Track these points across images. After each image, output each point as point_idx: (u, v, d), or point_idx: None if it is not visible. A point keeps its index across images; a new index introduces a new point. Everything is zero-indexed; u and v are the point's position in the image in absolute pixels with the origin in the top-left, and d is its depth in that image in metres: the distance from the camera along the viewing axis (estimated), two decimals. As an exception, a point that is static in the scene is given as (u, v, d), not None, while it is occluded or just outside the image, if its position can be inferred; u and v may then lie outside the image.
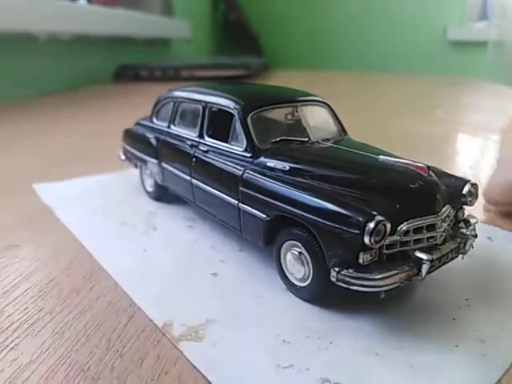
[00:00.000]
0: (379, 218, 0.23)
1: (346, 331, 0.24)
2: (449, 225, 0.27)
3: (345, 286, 0.24)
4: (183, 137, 0.38)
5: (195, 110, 0.37)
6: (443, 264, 0.26)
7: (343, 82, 1.80)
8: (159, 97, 0.43)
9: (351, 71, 2.13)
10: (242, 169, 0.31)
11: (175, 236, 0.36)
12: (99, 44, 1.52)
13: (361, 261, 0.23)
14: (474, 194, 0.28)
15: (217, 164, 0.33)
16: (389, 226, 0.23)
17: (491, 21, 2.04)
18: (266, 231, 0.29)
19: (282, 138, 0.32)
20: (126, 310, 0.27)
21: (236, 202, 0.31)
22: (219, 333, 0.24)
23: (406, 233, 0.24)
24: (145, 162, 0.43)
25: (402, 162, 0.27)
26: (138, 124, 0.47)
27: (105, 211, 0.41)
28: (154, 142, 0.41)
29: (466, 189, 0.28)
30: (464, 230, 0.27)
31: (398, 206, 0.24)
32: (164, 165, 0.40)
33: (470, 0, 2.23)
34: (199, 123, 0.36)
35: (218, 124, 0.35)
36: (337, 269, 0.24)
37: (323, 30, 2.47)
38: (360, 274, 0.23)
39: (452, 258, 0.26)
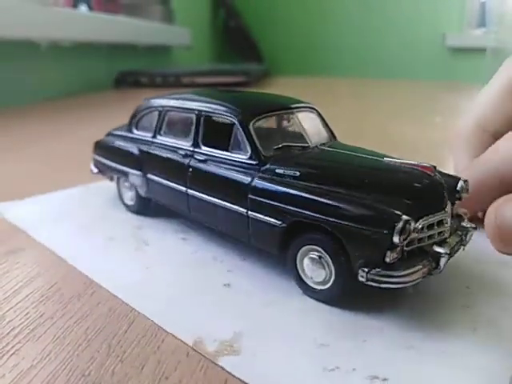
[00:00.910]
0: (405, 217, 0.24)
1: (373, 328, 0.25)
2: (451, 220, 0.28)
3: (375, 284, 0.24)
4: (174, 147, 0.37)
5: (187, 119, 0.36)
6: (451, 256, 0.27)
7: (343, 87, 1.81)
8: (138, 107, 0.42)
9: (351, 77, 2.14)
10: (250, 177, 0.30)
11: (171, 250, 0.35)
12: (100, 51, 1.53)
13: (388, 259, 0.24)
14: (465, 190, 0.29)
15: (219, 173, 0.32)
16: (413, 224, 0.24)
17: (490, 27, 2.06)
18: (281, 238, 0.29)
19: (285, 144, 0.32)
20: (127, 316, 0.27)
21: (244, 210, 0.30)
22: (254, 344, 0.23)
23: (421, 229, 0.26)
24: (125, 174, 0.41)
25: (407, 163, 0.28)
26: (110, 135, 0.45)
27: (86, 228, 0.39)
28: (136, 153, 0.40)
29: (459, 185, 0.29)
30: (464, 224, 0.29)
31: (412, 205, 0.25)
32: (150, 176, 0.39)
33: (468, 7, 2.25)
34: (193, 132, 0.35)
35: (215, 132, 0.34)
36: (366, 269, 0.25)
37: (323, 36, 2.49)
38: (388, 272, 0.24)
39: (457, 250, 0.28)
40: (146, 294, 0.29)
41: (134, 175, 0.40)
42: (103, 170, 0.45)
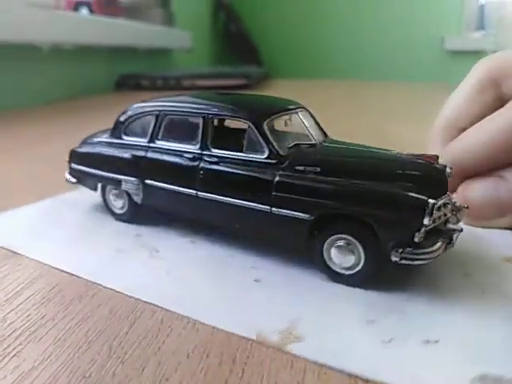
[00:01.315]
0: (432, 200, 0.27)
1: (405, 301, 0.28)
2: None
3: (408, 262, 0.28)
4: (177, 150, 0.36)
5: (192, 123, 0.36)
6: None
7: (341, 90, 1.82)
8: (125, 111, 0.41)
9: (349, 80, 2.15)
10: (271, 175, 0.31)
11: (185, 254, 0.35)
12: (101, 54, 1.54)
13: (416, 239, 0.28)
14: (451, 175, 0.32)
15: (237, 173, 0.33)
16: (437, 206, 0.28)
17: (488, 30, 2.07)
18: (308, 231, 0.30)
19: (296, 142, 0.33)
20: (128, 318, 0.27)
21: (268, 207, 0.31)
22: (311, 329, 0.25)
23: (438, 211, 0.29)
24: (115, 181, 0.40)
25: (412, 154, 0.32)
26: (89, 143, 0.43)
27: (84, 240, 0.37)
28: (130, 159, 0.39)
29: (447, 171, 0.32)
30: (457, 204, 0.32)
31: (427, 190, 0.29)
32: (149, 182, 0.38)
33: (467, 10, 2.26)
34: (200, 135, 0.35)
35: (225, 134, 0.35)
36: (399, 250, 0.28)
37: (322, 40, 2.50)
38: (418, 251, 0.28)
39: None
40: (184, 299, 0.28)
41: (129, 182, 0.39)
42: (84, 179, 0.43)
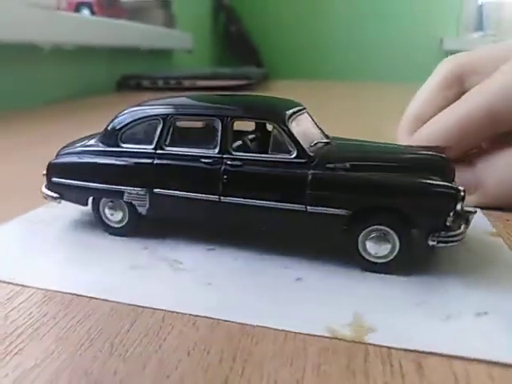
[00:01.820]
0: (461, 187, 0.30)
1: (438, 282, 0.31)
2: None
3: (443, 244, 0.31)
4: (192, 156, 0.35)
5: (208, 125, 0.35)
6: None
7: (340, 90, 1.82)
8: (119, 117, 0.38)
9: (348, 81, 2.15)
10: (304, 174, 0.32)
11: (211, 262, 0.33)
12: (102, 54, 1.54)
13: (448, 223, 0.30)
14: None
15: (267, 175, 0.33)
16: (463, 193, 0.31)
17: (487, 31, 2.07)
18: (344, 225, 0.32)
19: (316, 141, 0.34)
20: (129, 315, 0.27)
21: (302, 206, 0.32)
22: (376, 318, 0.26)
23: None
24: (114, 193, 0.37)
25: (421, 147, 0.35)
26: (70, 154, 0.39)
27: (87, 259, 0.34)
28: (135, 167, 0.36)
29: None
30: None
31: (445, 178, 0.32)
32: (159, 191, 0.36)
33: (465, 11, 2.26)
34: (219, 138, 0.34)
35: (246, 136, 0.35)
36: (436, 234, 0.30)
37: (322, 41, 2.51)
38: (450, 233, 0.31)
39: None
40: (242, 308, 0.28)
41: (133, 193, 0.36)
42: (69, 193, 0.39)
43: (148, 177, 0.36)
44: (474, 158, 0.42)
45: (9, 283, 0.30)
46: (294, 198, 0.32)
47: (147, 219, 0.38)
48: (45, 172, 0.40)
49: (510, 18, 2.12)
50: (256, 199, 0.33)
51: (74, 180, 0.38)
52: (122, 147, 0.37)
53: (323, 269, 0.32)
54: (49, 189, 0.39)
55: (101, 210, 0.38)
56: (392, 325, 0.26)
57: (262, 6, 2.60)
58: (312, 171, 0.32)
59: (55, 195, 0.39)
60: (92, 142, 0.39)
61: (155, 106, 0.37)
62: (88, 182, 0.37)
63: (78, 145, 0.40)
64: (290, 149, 0.32)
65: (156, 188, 0.36)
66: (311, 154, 0.32)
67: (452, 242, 0.31)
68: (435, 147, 0.35)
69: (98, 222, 0.39)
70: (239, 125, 0.35)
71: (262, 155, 0.33)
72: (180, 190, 0.35)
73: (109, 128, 0.38)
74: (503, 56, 0.42)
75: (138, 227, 0.38)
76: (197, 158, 0.35)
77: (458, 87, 0.44)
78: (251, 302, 0.28)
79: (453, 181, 0.33)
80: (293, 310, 0.28)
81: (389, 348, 0.24)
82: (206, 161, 0.34)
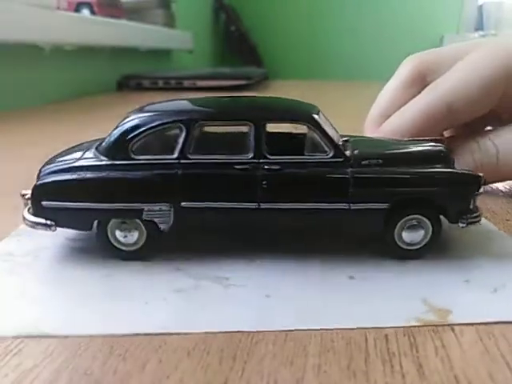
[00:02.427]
0: (480, 174, 0.33)
1: (468, 260, 0.34)
2: None
3: (472, 225, 0.34)
4: (223, 163, 0.32)
5: (238, 130, 0.33)
6: None
7: (340, 90, 1.82)
8: (128, 128, 0.33)
9: (349, 81, 2.15)
10: (345, 173, 0.32)
11: (255, 272, 0.31)
12: (102, 54, 1.54)
13: (471, 206, 0.33)
14: None
15: (309, 176, 0.32)
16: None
17: (487, 31, 2.07)
18: (384, 219, 0.33)
19: (343, 139, 0.35)
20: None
21: (345, 205, 0.32)
22: (443, 301, 0.28)
23: None
24: (130, 212, 0.32)
25: (423, 139, 0.38)
26: (63, 171, 0.33)
27: (115, 294, 0.29)
28: (156, 181, 0.32)
29: None
30: None
31: (453, 166, 0.35)
32: (186, 204, 0.32)
33: (465, 10, 2.26)
34: (252, 142, 0.32)
35: (280, 139, 0.35)
36: (464, 216, 0.33)
37: (321, 40, 2.51)
38: (475, 214, 0.34)
39: None
40: (317, 314, 0.27)
41: (155, 209, 0.32)
42: (66, 218, 0.32)
43: (173, 190, 0.32)
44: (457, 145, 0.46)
45: (51, 336, 0.25)
46: (338, 197, 0.32)
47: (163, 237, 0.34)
48: (27, 195, 0.33)
49: (510, 17, 2.12)
50: (298, 202, 0.32)
51: (74, 202, 0.32)
52: (135, 159, 0.32)
53: (368, 263, 0.33)
54: (37, 215, 0.32)
55: (109, 233, 0.33)
56: (460, 304, 0.28)
57: (262, 6, 2.59)
58: (352, 169, 0.32)
59: (48, 222, 0.32)
60: (89, 155, 0.33)
61: (172, 112, 0.34)
62: (93, 202, 0.32)
63: (68, 160, 0.34)
64: (326, 149, 0.33)
65: (183, 201, 0.32)
66: (347, 153, 0.33)
67: (477, 222, 0.34)
68: (433, 139, 0.38)
69: (105, 248, 0.33)
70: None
71: (300, 157, 0.33)
72: (212, 201, 0.32)
73: (114, 139, 0.33)
74: (465, 54, 0.45)
75: (157, 247, 0.34)
76: (229, 165, 0.32)
77: (420, 84, 0.46)
78: (320, 307, 0.28)
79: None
80: (363, 307, 0.28)
81: (472, 325, 0.26)
82: (241, 167, 0.32)
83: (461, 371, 0.22)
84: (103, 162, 0.33)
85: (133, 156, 0.32)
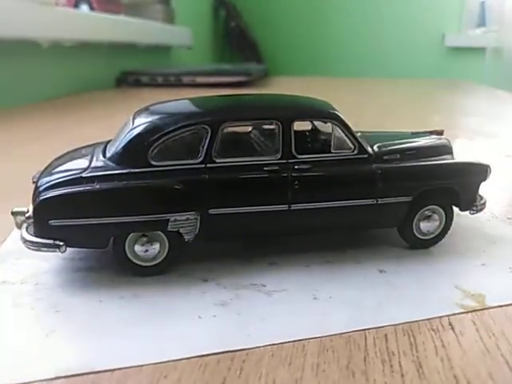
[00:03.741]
0: (488, 163, 0.36)
1: (481, 242, 0.37)
2: None
3: (480, 212, 0.36)
4: (252, 165, 0.31)
5: (265, 131, 0.32)
6: None
7: (341, 87, 1.81)
8: (144, 132, 0.30)
9: (350, 77, 2.14)
10: (371, 169, 0.33)
11: (288, 276, 0.31)
12: (101, 50, 1.53)
13: (478, 195, 0.36)
14: None
15: (339, 175, 0.32)
16: None
17: (489, 27, 2.06)
18: (407, 210, 0.34)
19: (359, 134, 0.35)
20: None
21: (373, 200, 0.33)
22: (473, 286, 0.30)
23: None
24: (153, 224, 0.29)
25: (424, 132, 0.39)
26: (70, 183, 0.29)
27: (159, 318, 0.26)
28: (182, 188, 0.29)
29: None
30: None
31: (454, 156, 0.37)
32: (215, 211, 0.30)
33: (467, 6, 2.25)
34: (280, 143, 0.31)
35: (307, 137, 0.35)
36: (475, 203, 0.36)
37: (322, 37, 2.49)
38: (482, 201, 0.36)
39: None
40: (372, 312, 0.27)
41: (182, 219, 0.29)
42: (79, 236, 0.29)
43: (200, 197, 0.30)
44: None
45: (96, 372, 0.22)
46: (366, 193, 0.33)
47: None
48: (25, 212, 0.29)
49: (512, 13, 2.10)
50: (329, 201, 0.32)
51: (87, 217, 0.28)
52: (156, 166, 0.29)
53: (392, 255, 0.34)
54: (42, 235, 0.28)
55: (127, 248, 0.30)
56: (488, 287, 0.30)
57: (262, 3, 2.58)
58: (376, 165, 0.33)
59: (57, 242, 0.28)
60: (97, 163, 0.30)
61: (193, 113, 0.32)
62: (109, 216, 0.28)
63: (71, 170, 0.30)
64: (351, 146, 0.33)
65: (212, 208, 0.30)
66: (370, 150, 0.34)
67: (483, 209, 0.36)
68: (434, 131, 0.39)
69: (122, 265, 0.30)
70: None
71: (327, 155, 0.32)
72: (242, 206, 0.30)
73: (129, 144, 0.30)
74: None
75: (176, 258, 0.31)
76: (258, 167, 0.31)
77: None
78: (374, 305, 0.28)
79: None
80: (406, 299, 0.29)
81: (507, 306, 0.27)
82: (271, 168, 0.31)
83: (460, 371, 0.22)
84: (118, 171, 0.29)
85: (152, 162, 0.29)
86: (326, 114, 0.33)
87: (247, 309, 0.27)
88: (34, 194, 0.30)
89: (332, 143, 0.33)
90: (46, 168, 0.32)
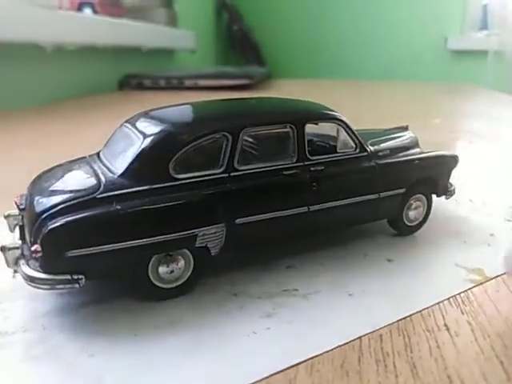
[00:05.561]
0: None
1: (468, 229, 0.40)
2: None
3: (454, 196, 0.41)
4: (271, 171, 0.30)
5: (280, 135, 0.32)
6: None
7: (343, 89, 1.82)
8: (161, 144, 0.28)
9: (352, 80, 2.15)
10: (372, 166, 0.35)
11: (312, 278, 0.31)
12: (104, 54, 1.55)
13: (450, 180, 0.41)
14: None
15: (349, 174, 0.34)
16: None
17: (491, 30, 2.06)
18: (401, 201, 0.37)
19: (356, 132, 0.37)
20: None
21: (376, 195, 0.35)
22: (474, 262, 0.33)
23: None
24: (183, 241, 0.27)
25: (394, 128, 0.44)
26: (84, 206, 0.25)
27: (212, 342, 0.24)
28: (207, 201, 0.28)
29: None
30: None
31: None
32: (243, 220, 0.29)
33: (470, 10, 2.25)
34: (295, 146, 0.31)
35: (317, 139, 0.36)
36: (449, 189, 0.40)
37: (325, 39, 2.50)
38: (452, 187, 0.41)
39: None
40: (404, 301, 0.29)
41: (210, 233, 0.28)
42: (100, 265, 0.25)
43: (226, 208, 0.28)
44: None
45: None
46: (371, 188, 0.35)
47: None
48: (35, 247, 0.24)
49: (515, 16, 2.10)
50: (342, 199, 0.34)
51: (110, 243, 0.25)
52: (178, 179, 0.27)
53: (392, 244, 0.37)
54: (56, 271, 0.24)
55: (150, 272, 0.27)
56: (481, 260, 0.33)
57: (265, 5, 2.59)
58: (376, 162, 0.35)
59: (76, 276, 0.24)
60: (109, 181, 0.27)
61: (209, 119, 0.31)
62: (133, 239, 0.25)
63: (79, 191, 0.26)
64: (353, 145, 0.35)
65: (238, 218, 0.29)
66: (368, 148, 0.36)
67: (453, 194, 0.41)
68: (400, 127, 0.44)
69: (142, 290, 0.27)
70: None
71: (335, 155, 0.34)
72: (267, 212, 0.30)
73: (146, 159, 0.27)
74: None
75: (202, 274, 0.29)
76: (277, 172, 0.30)
77: None
78: (407, 294, 0.29)
79: None
80: (418, 285, 0.30)
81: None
82: (290, 172, 0.31)
83: (454, 371, 0.22)
84: (137, 188, 0.26)
85: (174, 176, 0.27)
86: (332, 115, 0.35)
87: (294, 315, 0.26)
88: (31, 224, 0.25)
89: (338, 144, 0.34)
90: (33, 190, 0.28)
